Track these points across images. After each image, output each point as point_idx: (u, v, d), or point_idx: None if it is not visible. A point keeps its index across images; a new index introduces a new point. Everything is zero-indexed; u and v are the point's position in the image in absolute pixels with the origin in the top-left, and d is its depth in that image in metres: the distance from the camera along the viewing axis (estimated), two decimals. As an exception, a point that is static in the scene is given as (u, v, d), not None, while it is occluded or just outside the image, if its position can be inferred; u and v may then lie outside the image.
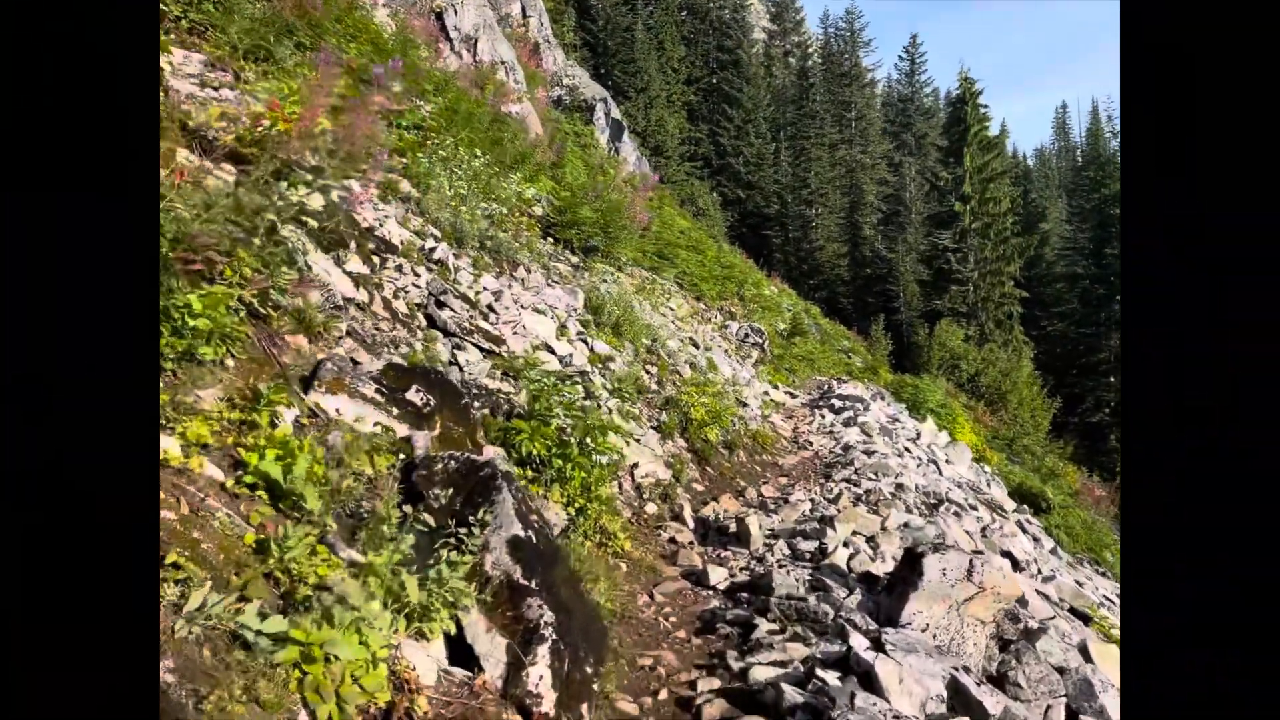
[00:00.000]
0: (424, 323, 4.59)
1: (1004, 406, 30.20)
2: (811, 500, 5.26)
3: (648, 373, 6.57)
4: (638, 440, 5.23)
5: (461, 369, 4.43)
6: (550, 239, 8.55)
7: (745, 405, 8.26)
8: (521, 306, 5.58)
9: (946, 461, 8.76)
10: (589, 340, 5.95)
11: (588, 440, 3.98)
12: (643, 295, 8.55)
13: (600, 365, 5.79)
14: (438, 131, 7.69)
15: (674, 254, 15.43)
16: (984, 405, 28.24)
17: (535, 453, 3.79)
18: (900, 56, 50.77)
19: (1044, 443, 30.68)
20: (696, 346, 8.82)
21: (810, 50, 48.60)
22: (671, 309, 9.98)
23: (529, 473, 3.83)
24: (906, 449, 8.46)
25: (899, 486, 6.01)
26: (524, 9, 26.08)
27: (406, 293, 4.61)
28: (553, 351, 5.29)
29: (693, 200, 37.54)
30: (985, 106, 33.50)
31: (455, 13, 17.38)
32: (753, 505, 5.15)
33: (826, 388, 15.06)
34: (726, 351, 12.33)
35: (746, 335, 15.19)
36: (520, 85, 18.01)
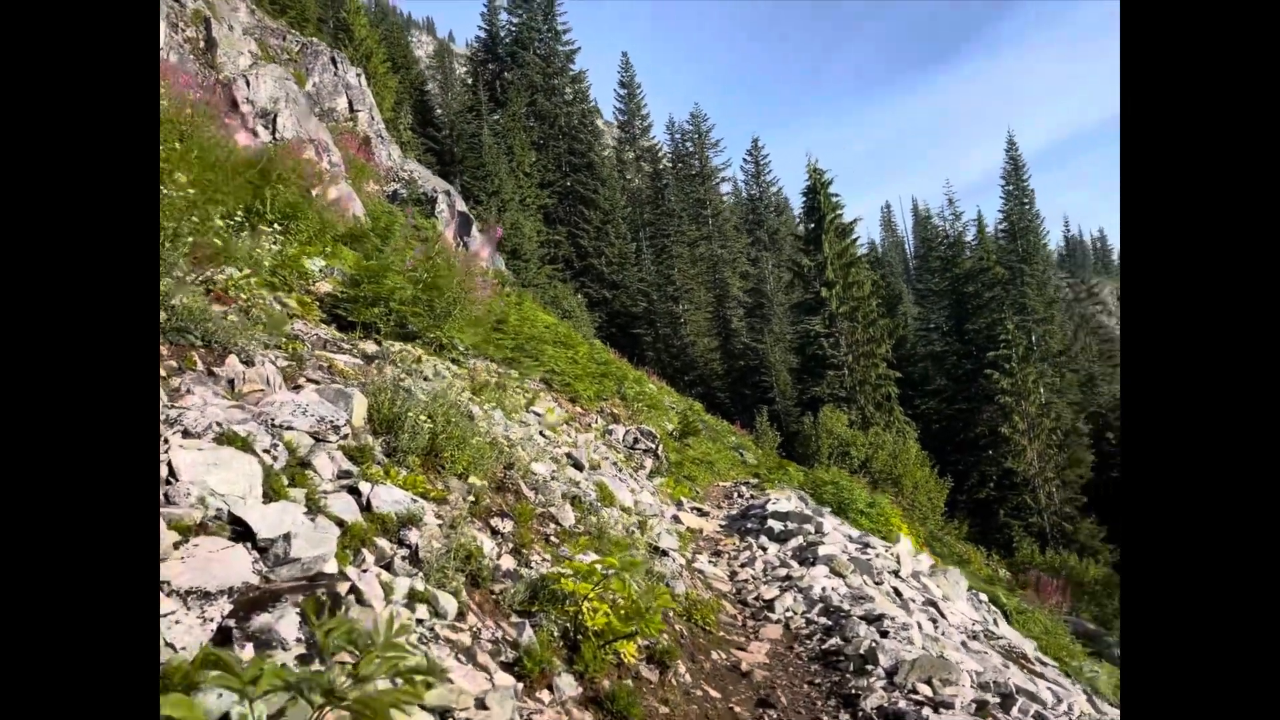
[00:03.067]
0: None
1: (900, 491, 28.88)
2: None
3: (495, 533, 3.56)
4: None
5: None
6: (336, 324, 5.51)
7: (664, 553, 5.35)
8: (190, 434, 2.49)
9: (944, 599, 6.21)
10: (362, 486, 2.92)
11: None
12: (488, 397, 5.59)
13: (384, 539, 2.75)
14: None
15: (539, 350, 12.64)
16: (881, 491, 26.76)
17: None
18: (745, 159, 52.50)
19: (941, 524, 29.60)
20: (580, 468, 5.89)
21: (661, 154, 49.14)
22: (538, 414, 7.06)
23: None
24: (896, 591, 5.78)
25: (980, 709, 3.27)
26: (352, 104, 23.57)
27: None
28: (245, 534, 2.21)
29: (556, 303, 35.43)
30: (837, 195, 34.00)
31: (248, 85, 14.44)
32: None
33: (740, 497, 12.43)
34: (618, 465, 9.47)
35: (636, 440, 12.42)
36: (337, 167, 15.12)
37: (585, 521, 4.53)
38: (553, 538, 4.11)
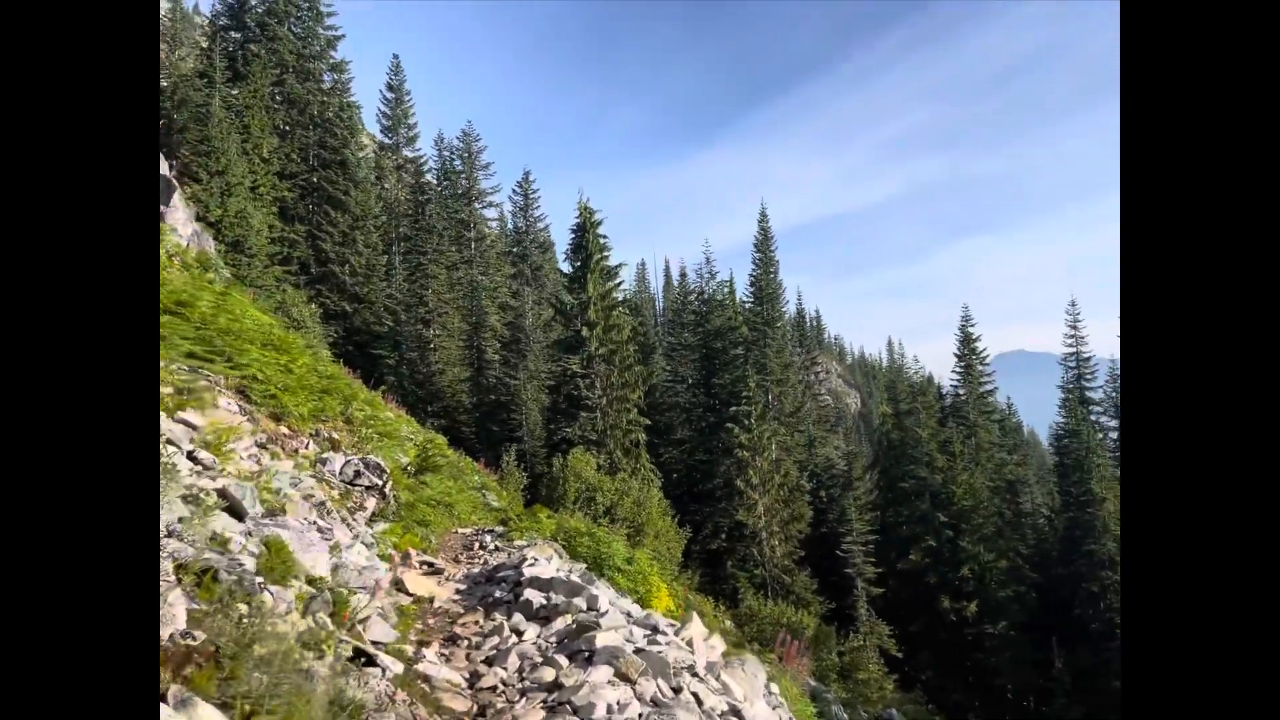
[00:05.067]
0: None
1: (642, 539, 28.41)
2: None
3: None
4: None
5: None
6: None
7: (369, 661, 3.30)
8: None
9: (745, 700, 4.83)
10: None
11: None
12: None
13: None
14: None
15: (238, 349, 9.69)
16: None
17: None
18: (514, 191, 51.12)
19: (677, 575, 29.63)
20: (239, 515, 3.63)
21: (425, 168, 46.01)
22: (191, 425, 4.58)
23: None
24: (696, 698, 4.26)
25: None
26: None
27: None
28: None
29: (285, 310, 30.69)
30: (605, 236, 33.73)
31: None
32: None
33: (482, 548, 10.42)
34: (326, 506, 7.08)
35: (358, 474, 9.92)
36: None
37: (211, 623, 2.38)
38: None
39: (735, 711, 4.47)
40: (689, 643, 5.25)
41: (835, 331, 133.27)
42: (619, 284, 34.30)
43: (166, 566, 2.48)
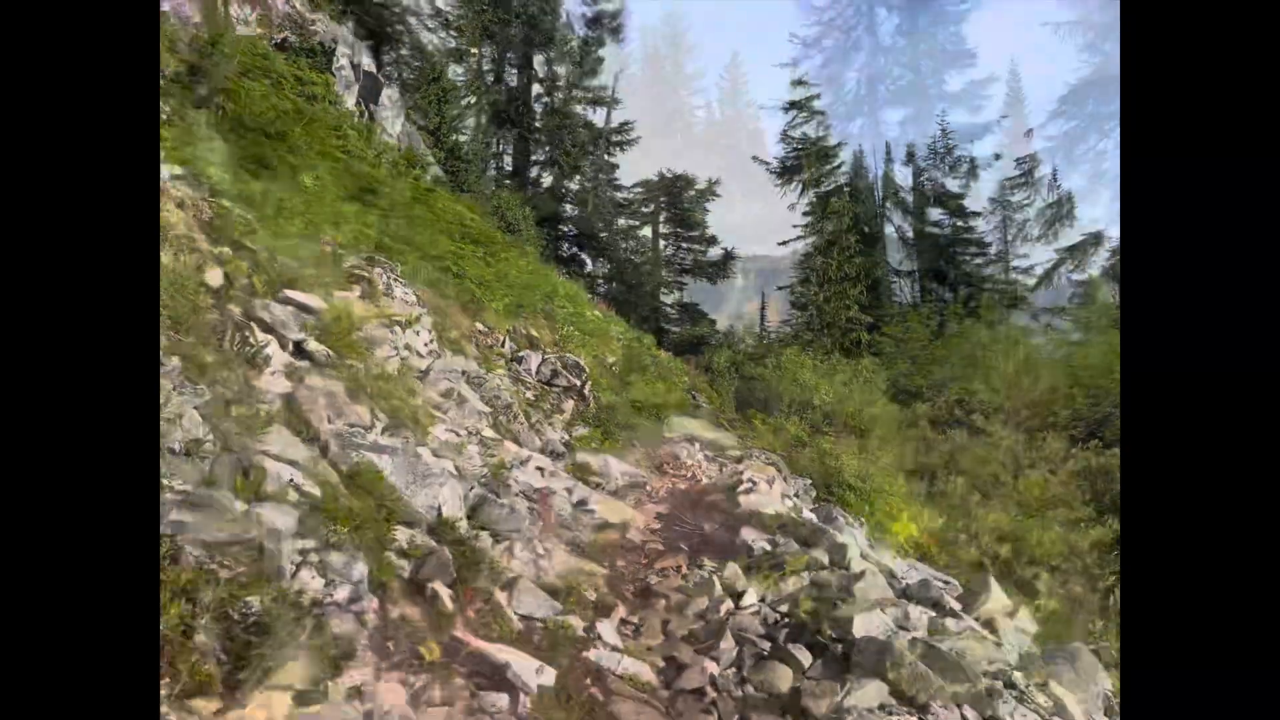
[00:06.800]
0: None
1: (864, 446, 26.14)
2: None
3: None
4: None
5: None
6: None
7: (503, 679, 1.99)
8: None
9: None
10: None
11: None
12: None
13: None
14: None
15: (430, 239, 9.09)
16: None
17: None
18: (722, 75, 48.06)
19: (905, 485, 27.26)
20: (315, 436, 2.44)
21: (630, 58, 44.37)
22: (305, 306, 3.52)
23: None
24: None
25: None
26: (248, -65, 18.81)
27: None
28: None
29: (501, 213, 31.33)
30: (821, 114, 30.26)
31: None
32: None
33: (692, 461, 9.23)
34: (512, 409, 6.11)
35: (555, 374, 9.07)
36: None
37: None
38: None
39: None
40: (989, 625, 3.56)
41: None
42: (837, 165, 30.91)
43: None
